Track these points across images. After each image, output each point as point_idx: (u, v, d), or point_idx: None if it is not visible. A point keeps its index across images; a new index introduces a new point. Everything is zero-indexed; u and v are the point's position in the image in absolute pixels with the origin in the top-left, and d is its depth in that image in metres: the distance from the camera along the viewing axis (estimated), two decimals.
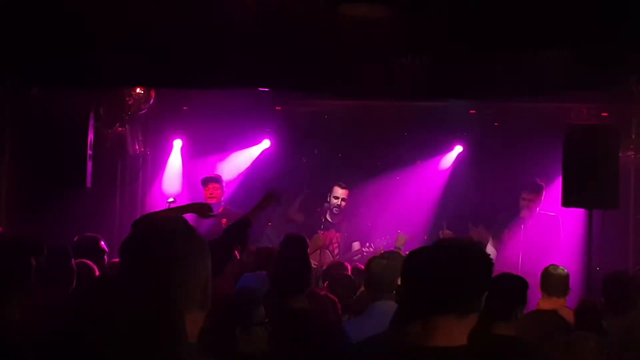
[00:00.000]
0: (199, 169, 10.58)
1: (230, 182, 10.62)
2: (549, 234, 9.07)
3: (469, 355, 2.60)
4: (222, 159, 10.84)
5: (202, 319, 2.34)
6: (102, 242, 6.42)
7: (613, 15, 6.97)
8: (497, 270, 6.30)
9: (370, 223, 10.49)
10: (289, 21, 7.38)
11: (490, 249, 9.08)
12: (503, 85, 7.91)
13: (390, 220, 10.48)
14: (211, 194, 9.68)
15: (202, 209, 6.25)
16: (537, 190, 9.21)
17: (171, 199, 9.35)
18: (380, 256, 5.16)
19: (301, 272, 4.89)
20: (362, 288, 6.28)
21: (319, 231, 9.58)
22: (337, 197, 9.90)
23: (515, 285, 4.38)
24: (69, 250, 5.32)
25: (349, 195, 10.02)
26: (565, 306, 6.04)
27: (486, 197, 10.31)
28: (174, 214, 6.04)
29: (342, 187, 9.93)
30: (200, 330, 2.33)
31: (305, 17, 7.34)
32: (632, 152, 9.19)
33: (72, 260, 5.24)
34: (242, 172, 10.82)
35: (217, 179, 9.82)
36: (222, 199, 9.77)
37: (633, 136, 9.15)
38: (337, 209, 9.90)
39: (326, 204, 9.96)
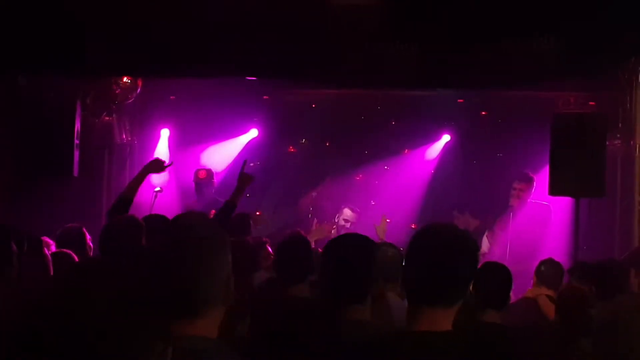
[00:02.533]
0: (187, 158, 10.56)
1: (218, 172, 10.62)
2: (538, 223, 9.11)
3: (453, 341, 2.63)
4: (209, 148, 10.82)
5: (222, 313, 2.42)
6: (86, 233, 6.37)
7: (600, 2, 6.98)
8: (486, 259, 6.35)
9: (358, 211, 10.50)
10: (276, 9, 7.36)
11: (484, 242, 9.12)
12: (491, 74, 7.92)
13: (377, 209, 10.50)
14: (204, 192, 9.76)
15: (156, 167, 6.51)
16: (528, 181, 9.25)
17: (158, 188, 9.33)
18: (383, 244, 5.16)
19: (302, 259, 4.87)
20: None
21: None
22: (347, 220, 9.70)
23: (505, 273, 4.41)
24: (39, 239, 5.27)
25: (329, 183, 9.95)
26: (546, 295, 6.06)
27: (473, 185, 10.35)
28: (134, 184, 6.21)
29: (354, 211, 9.80)
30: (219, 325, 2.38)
31: (293, 5, 7.32)
32: (619, 141, 9.21)
33: (44, 249, 5.18)
34: (230, 162, 10.79)
35: (206, 182, 9.83)
36: (213, 191, 9.77)
37: (620, 124, 9.17)
38: (341, 229, 9.64)
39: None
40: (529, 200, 9.25)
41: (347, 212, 9.80)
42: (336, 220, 9.85)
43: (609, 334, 2.88)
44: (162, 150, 10.76)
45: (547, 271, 6.23)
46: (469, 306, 2.78)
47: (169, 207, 9.71)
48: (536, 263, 6.67)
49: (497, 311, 4.12)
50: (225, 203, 6.47)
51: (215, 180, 9.92)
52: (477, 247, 2.79)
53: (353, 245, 3.56)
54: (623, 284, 5.53)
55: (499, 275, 4.31)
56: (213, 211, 9.20)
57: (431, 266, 2.65)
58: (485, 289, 4.05)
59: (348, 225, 9.73)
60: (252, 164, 11.03)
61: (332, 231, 9.77)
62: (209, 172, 9.89)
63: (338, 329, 3.32)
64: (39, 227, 6.23)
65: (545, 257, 7.62)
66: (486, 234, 9.24)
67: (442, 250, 2.66)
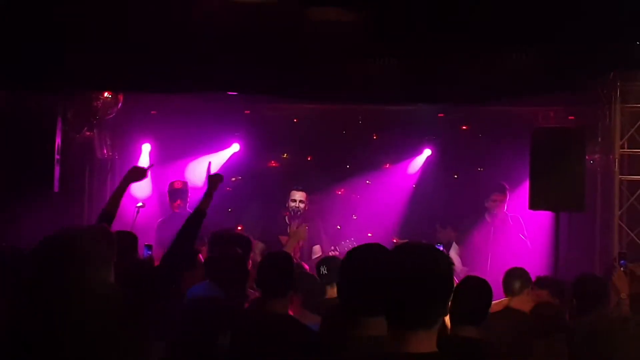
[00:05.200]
0: (168, 173, 10.54)
1: (199, 187, 10.60)
2: (515, 235, 9.18)
3: None
4: (190, 163, 10.80)
5: None
6: None
7: (579, 19, 7.04)
8: (467, 272, 6.32)
9: (340, 226, 10.51)
10: (257, 26, 7.37)
11: (453, 256, 9.15)
12: (471, 89, 7.96)
13: (359, 223, 10.52)
14: (178, 205, 9.78)
15: (137, 175, 6.26)
16: (504, 191, 9.36)
17: (140, 204, 9.31)
18: None
19: (284, 275, 4.85)
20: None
21: (279, 237, 9.45)
22: (294, 200, 9.58)
23: (483, 288, 4.40)
24: None
25: (310, 197, 9.79)
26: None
27: (455, 200, 10.38)
28: (115, 198, 6.03)
29: (299, 190, 9.64)
30: None
31: (274, 21, 7.34)
32: (599, 155, 9.27)
33: None
34: None
35: (180, 192, 9.82)
36: (187, 207, 9.79)
37: (600, 139, 9.23)
38: (295, 212, 9.56)
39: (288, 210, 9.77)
40: (504, 211, 9.35)
41: (294, 193, 9.64)
42: (286, 205, 9.71)
43: (587, 350, 2.90)
44: (143, 165, 10.73)
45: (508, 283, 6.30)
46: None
47: (151, 223, 9.69)
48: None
49: (474, 326, 4.10)
50: (194, 211, 5.87)
51: (191, 195, 9.92)
52: (452, 265, 2.78)
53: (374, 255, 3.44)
54: (601, 298, 5.57)
55: (479, 290, 4.30)
56: None
57: (407, 290, 2.64)
58: (465, 304, 4.03)
59: (296, 204, 9.56)
60: (233, 179, 11.03)
61: (286, 218, 9.63)
62: (184, 183, 9.91)
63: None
64: (18, 243, 6.19)
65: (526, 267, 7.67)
66: (454, 248, 9.29)
67: (417, 273, 2.64)
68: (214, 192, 6.17)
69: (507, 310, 6.02)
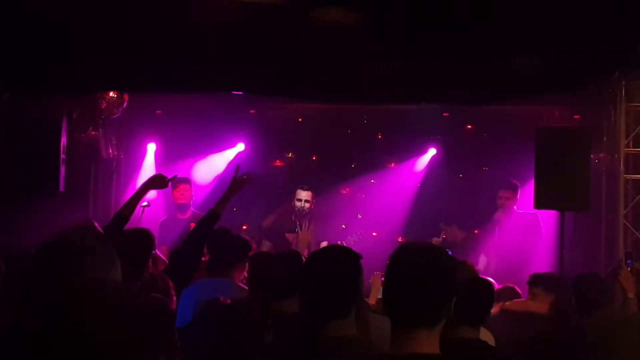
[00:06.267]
0: (173, 172, 10.51)
1: (204, 186, 10.61)
2: (529, 233, 9.13)
3: None
4: (196, 163, 10.81)
5: None
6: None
7: (583, 19, 7.03)
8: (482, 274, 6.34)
9: (345, 225, 10.51)
10: (261, 26, 7.38)
11: (482, 259, 9.14)
12: (475, 90, 7.95)
13: (364, 222, 10.52)
14: (182, 194, 9.68)
15: (157, 182, 6.22)
16: (513, 188, 9.31)
17: (145, 203, 9.30)
18: None
19: (293, 274, 4.85)
20: None
21: (286, 234, 9.44)
22: (300, 200, 9.54)
23: (488, 289, 4.37)
24: None
25: (315, 197, 9.75)
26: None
27: (460, 198, 10.39)
28: (132, 202, 6.00)
29: (305, 189, 9.60)
30: None
31: (278, 22, 7.34)
32: (603, 154, 9.26)
33: None
34: (217, 176, 10.79)
35: (187, 180, 9.78)
36: (192, 201, 9.75)
37: (604, 138, 9.22)
38: (301, 211, 9.52)
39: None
40: (515, 210, 9.30)
41: (299, 193, 9.58)
42: (292, 204, 9.64)
43: (589, 350, 2.89)
44: (148, 164, 10.76)
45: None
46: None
47: (156, 222, 9.70)
48: (525, 273, 6.72)
49: (474, 327, 4.07)
50: (208, 213, 6.01)
51: (196, 194, 9.91)
52: (455, 264, 2.77)
53: (336, 257, 3.45)
54: (602, 298, 5.56)
55: (480, 291, 4.28)
56: (193, 225, 9.21)
57: (409, 289, 2.63)
58: (466, 304, 4.00)
59: (301, 204, 9.51)
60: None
61: (292, 217, 9.58)
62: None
63: (318, 346, 3.27)
64: (24, 243, 6.20)
65: (533, 267, 7.69)
66: (482, 256, 9.27)
67: (419, 272, 2.64)
68: (232, 197, 6.13)
69: (503, 311, 6.02)
